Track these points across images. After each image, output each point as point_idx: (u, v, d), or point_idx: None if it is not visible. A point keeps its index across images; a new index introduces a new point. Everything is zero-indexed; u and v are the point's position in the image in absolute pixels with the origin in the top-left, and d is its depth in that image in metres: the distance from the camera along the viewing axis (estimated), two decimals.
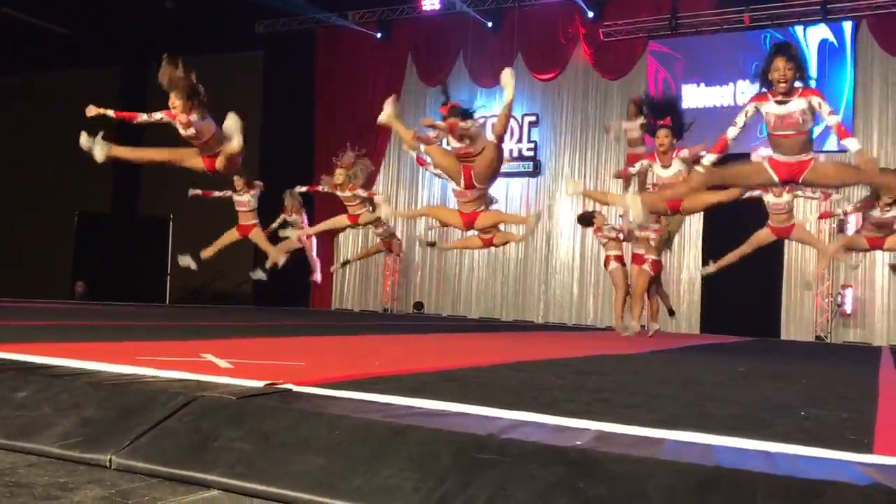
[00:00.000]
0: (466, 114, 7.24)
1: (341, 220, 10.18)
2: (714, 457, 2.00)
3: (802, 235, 9.34)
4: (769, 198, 8.61)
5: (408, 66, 16.10)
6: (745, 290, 12.18)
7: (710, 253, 13.08)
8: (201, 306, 13.90)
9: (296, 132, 16.39)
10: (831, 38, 12.61)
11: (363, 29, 16.03)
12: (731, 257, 9.26)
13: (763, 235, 8.99)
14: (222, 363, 3.35)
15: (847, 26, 12.60)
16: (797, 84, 5.41)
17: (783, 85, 5.35)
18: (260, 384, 2.65)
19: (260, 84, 17.26)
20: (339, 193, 9.87)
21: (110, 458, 2.05)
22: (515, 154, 14.82)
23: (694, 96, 13.40)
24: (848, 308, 12.29)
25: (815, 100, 5.40)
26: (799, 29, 12.78)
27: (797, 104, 5.38)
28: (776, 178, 5.66)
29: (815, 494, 1.72)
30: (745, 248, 9.15)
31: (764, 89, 5.48)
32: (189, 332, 5.68)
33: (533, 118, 14.94)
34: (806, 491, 1.74)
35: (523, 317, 14.64)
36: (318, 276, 11.96)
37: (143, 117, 6.68)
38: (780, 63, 5.35)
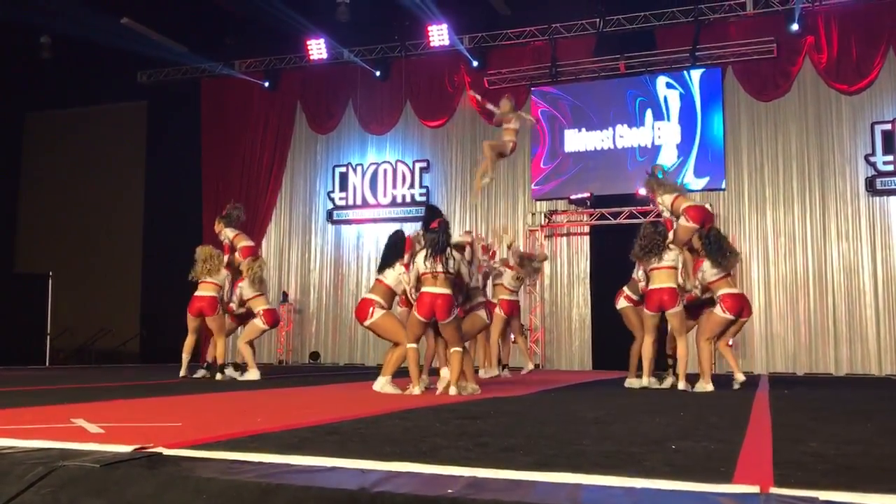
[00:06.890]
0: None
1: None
2: (581, 496, 2.05)
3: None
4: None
5: (297, 115, 16.08)
6: None
7: (597, 290, 13.52)
8: (84, 367, 13.27)
9: (183, 183, 16.02)
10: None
11: (250, 78, 15.92)
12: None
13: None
14: (93, 428, 3.22)
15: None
16: None
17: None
18: (129, 449, 2.56)
19: (144, 134, 16.85)
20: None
21: None
22: (408, 199, 14.97)
23: (576, 141, 13.90)
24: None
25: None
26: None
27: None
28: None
29: None
30: None
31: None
32: (64, 395, 5.42)
33: (424, 164, 15.15)
34: None
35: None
36: None
37: None
38: None
